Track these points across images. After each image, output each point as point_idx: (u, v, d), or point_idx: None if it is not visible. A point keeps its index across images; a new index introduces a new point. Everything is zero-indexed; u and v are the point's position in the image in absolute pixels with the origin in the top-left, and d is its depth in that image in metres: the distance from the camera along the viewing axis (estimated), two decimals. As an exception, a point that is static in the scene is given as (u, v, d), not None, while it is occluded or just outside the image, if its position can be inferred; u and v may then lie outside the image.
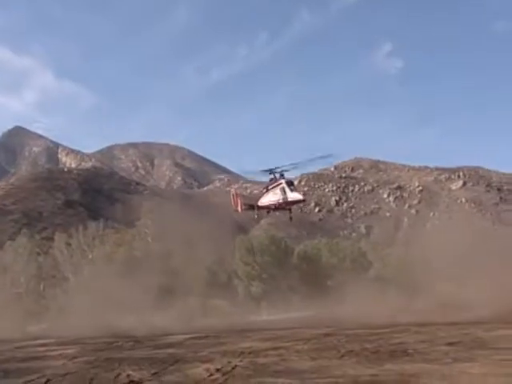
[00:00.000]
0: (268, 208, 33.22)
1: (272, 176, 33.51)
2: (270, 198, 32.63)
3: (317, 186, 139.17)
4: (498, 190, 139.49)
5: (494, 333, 25.23)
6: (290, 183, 32.97)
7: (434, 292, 29.86)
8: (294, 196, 32.25)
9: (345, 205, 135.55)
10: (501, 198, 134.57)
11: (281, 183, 32.53)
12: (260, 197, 33.30)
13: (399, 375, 14.55)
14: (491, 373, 14.43)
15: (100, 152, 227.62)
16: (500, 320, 27.06)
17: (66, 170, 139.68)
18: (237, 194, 33.46)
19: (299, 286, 41.55)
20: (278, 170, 32.45)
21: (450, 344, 21.61)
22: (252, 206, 33.64)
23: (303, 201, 35.07)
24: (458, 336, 24.16)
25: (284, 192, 32.14)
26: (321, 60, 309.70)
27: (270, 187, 32.94)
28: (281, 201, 32.20)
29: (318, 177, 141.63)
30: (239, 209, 32.93)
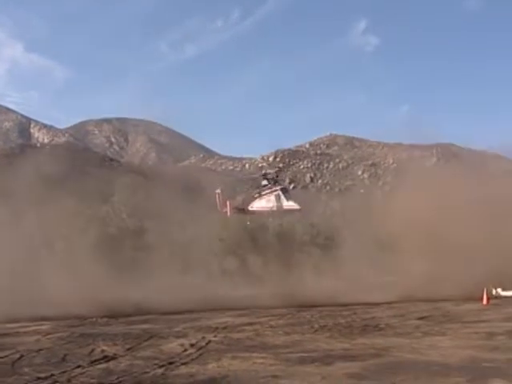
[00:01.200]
0: (260, 214, 32.45)
1: (265, 182, 32.96)
2: (263, 204, 31.96)
3: (292, 162, 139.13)
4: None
5: (462, 307, 25.86)
6: (284, 190, 32.34)
7: (404, 268, 30.19)
8: (289, 205, 31.49)
9: (319, 181, 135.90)
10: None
11: (276, 189, 31.94)
12: (250, 201, 32.65)
13: (371, 349, 14.83)
14: (460, 345, 14.80)
15: (73, 127, 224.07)
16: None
17: (38, 145, 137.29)
18: (223, 197, 32.42)
19: (273, 262, 41.69)
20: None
21: (420, 318, 22.09)
22: (242, 210, 32.88)
23: (299, 210, 33.73)
24: (428, 311, 24.69)
25: (279, 199, 31.52)
26: (295, 37, 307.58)
27: (263, 192, 32.28)
28: (275, 208, 31.60)
29: (293, 153, 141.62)
30: (228, 212, 32.13)
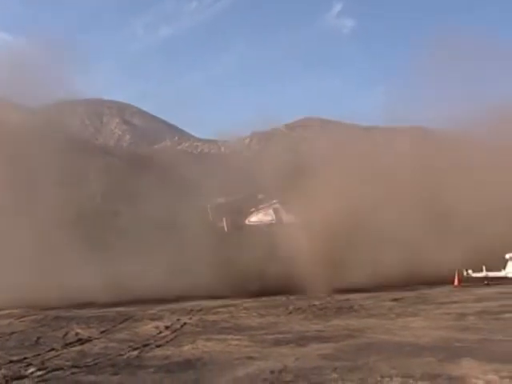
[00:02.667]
0: (257, 228, 31.99)
1: (262, 195, 32.52)
2: (261, 218, 31.64)
3: (268, 145, 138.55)
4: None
5: (435, 289, 26.29)
6: (282, 203, 31.94)
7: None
8: (289, 218, 31.08)
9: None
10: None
11: (274, 202, 31.61)
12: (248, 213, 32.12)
13: (344, 330, 14.99)
14: (431, 326, 15.04)
15: (46, 108, 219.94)
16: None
17: (9, 126, 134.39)
18: (218, 212, 31.82)
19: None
20: None
21: (394, 300, 22.42)
22: (240, 227, 32.33)
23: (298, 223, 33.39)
24: (402, 292, 25.05)
25: (278, 213, 31.22)
26: (270, 18, 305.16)
27: (261, 206, 31.95)
28: (274, 222, 31.30)
29: (269, 136, 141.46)
30: (225, 227, 31.64)
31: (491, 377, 8.92)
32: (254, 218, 32.08)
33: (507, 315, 16.67)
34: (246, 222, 32.22)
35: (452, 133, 37.83)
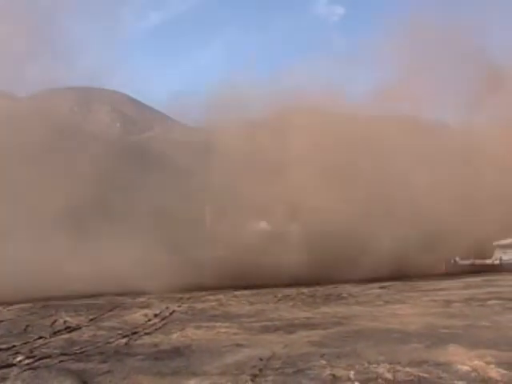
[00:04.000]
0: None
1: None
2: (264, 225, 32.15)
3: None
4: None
5: (422, 276, 26.48)
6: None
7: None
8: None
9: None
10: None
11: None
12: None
13: (333, 317, 15.07)
14: (418, 313, 15.16)
15: (35, 95, 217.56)
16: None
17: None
18: (216, 215, 32.11)
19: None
20: None
21: (382, 287, 22.58)
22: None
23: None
24: (390, 280, 25.22)
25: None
26: (261, 5, 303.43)
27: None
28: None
29: (258, 124, 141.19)
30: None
31: (477, 363, 9.01)
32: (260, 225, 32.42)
33: (493, 302, 16.88)
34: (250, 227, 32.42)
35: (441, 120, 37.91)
